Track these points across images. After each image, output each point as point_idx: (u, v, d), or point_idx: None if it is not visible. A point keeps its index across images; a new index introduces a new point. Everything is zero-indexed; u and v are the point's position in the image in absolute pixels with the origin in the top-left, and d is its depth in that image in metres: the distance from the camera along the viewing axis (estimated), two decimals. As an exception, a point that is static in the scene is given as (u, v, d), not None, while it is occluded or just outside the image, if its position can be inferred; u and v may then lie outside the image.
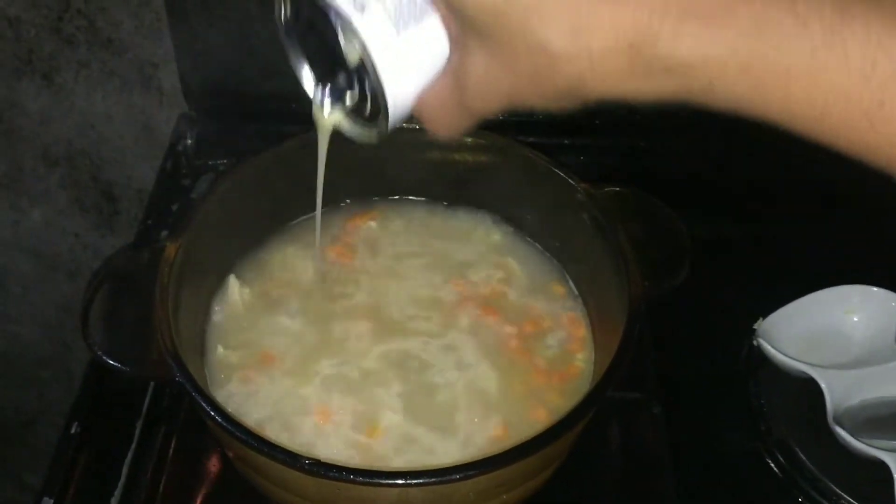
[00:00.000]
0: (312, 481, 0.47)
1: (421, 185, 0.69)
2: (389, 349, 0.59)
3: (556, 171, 0.61)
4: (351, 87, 0.42)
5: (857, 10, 0.30)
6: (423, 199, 0.69)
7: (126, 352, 0.52)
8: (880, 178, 0.76)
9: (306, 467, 0.45)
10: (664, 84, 0.33)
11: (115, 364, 0.51)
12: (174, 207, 0.77)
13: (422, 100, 0.39)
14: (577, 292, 0.64)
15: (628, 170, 0.80)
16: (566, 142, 0.82)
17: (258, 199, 0.62)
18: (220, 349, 0.58)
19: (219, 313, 0.60)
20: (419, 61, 0.38)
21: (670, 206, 0.59)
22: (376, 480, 0.46)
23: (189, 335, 0.55)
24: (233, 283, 0.61)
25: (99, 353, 0.51)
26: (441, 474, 0.46)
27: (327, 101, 0.44)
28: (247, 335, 0.60)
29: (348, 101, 0.43)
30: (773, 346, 0.64)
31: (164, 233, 0.73)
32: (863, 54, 0.30)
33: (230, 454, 0.54)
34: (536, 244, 0.67)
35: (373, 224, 0.67)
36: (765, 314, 0.66)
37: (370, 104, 0.41)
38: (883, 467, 0.57)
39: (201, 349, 0.59)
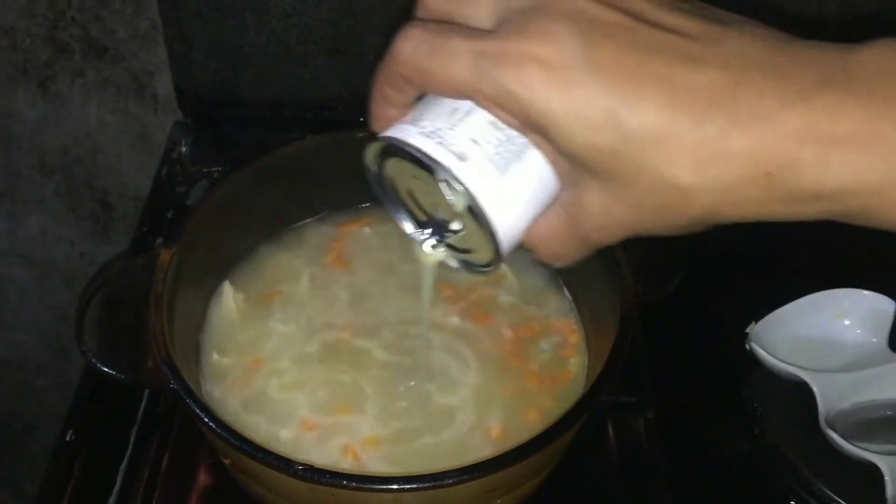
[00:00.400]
0: (306, 487, 0.47)
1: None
2: (384, 355, 0.59)
3: (549, 177, 0.62)
4: (451, 229, 0.41)
5: None
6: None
7: (121, 359, 0.52)
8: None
9: (300, 473, 0.45)
10: (810, 208, 0.31)
11: (110, 371, 0.52)
12: (169, 214, 0.77)
13: (533, 232, 0.38)
14: (570, 298, 0.64)
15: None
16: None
17: (252, 205, 0.63)
18: (215, 355, 0.58)
19: (213, 320, 0.61)
20: (526, 198, 0.37)
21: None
22: (369, 486, 0.46)
23: (184, 342, 0.55)
24: (227, 289, 0.62)
25: (93, 360, 0.51)
26: (434, 479, 0.46)
27: (432, 242, 0.43)
28: (241, 342, 0.60)
29: (452, 240, 0.42)
30: (765, 350, 0.64)
31: (160, 240, 0.74)
32: None
33: (225, 461, 0.54)
34: (530, 249, 0.67)
35: (367, 230, 0.67)
36: (757, 318, 0.67)
37: (479, 242, 0.40)
38: (874, 470, 0.58)
39: (196, 356, 0.59)
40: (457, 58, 0.33)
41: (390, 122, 0.38)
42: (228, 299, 0.61)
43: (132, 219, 1.00)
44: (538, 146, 0.36)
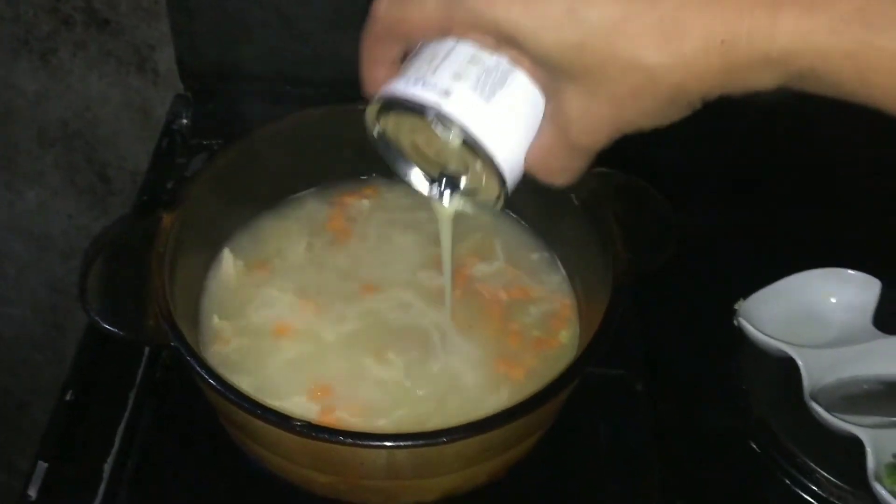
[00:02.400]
0: (303, 444, 0.48)
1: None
2: (379, 319, 0.60)
3: (545, 151, 0.63)
4: (458, 175, 0.44)
5: None
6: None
7: (123, 318, 0.53)
8: (858, 165, 0.77)
9: (297, 429, 0.46)
10: (765, 74, 0.33)
11: (112, 329, 0.52)
12: (169, 185, 0.78)
13: (530, 154, 0.40)
14: (564, 272, 0.65)
15: (616, 153, 0.81)
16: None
17: (253, 174, 0.63)
18: (215, 318, 0.59)
19: (213, 285, 0.62)
20: (517, 120, 0.39)
21: (655, 189, 0.60)
22: (365, 442, 0.47)
23: (184, 304, 0.56)
24: (227, 255, 0.63)
25: (96, 318, 0.52)
26: (428, 437, 0.47)
27: (446, 194, 0.45)
28: (240, 306, 0.61)
29: (463, 185, 0.44)
30: (753, 326, 0.65)
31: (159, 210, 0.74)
32: None
33: (223, 420, 0.55)
34: (525, 223, 0.68)
35: (366, 202, 0.68)
36: (746, 295, 0.68)
37: (484, 175, 0.42)
38: (857, 443, 0.59)
39: (195, 319, 0.60)
40: None
41: (380, 84, 0.41)
42: (228, 265, 0.62)
43: (130, 193, 1.01)
44: (517, 63, 0.38)
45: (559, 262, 0.66)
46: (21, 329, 1.23)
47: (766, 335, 0.65)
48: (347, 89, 0.81)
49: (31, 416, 1.34)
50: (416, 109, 0.38)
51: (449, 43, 0.38)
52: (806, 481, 0.61)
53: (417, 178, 0.46)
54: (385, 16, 0.38)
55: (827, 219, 0.77)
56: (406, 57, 0.41)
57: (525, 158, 0.40)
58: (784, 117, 0.74)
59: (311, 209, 0.67)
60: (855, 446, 0.59)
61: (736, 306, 0.68)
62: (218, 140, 0.81)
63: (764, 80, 0.34)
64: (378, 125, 0.43)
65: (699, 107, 0.35)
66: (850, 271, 0.69)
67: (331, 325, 0.60)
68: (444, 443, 0.47)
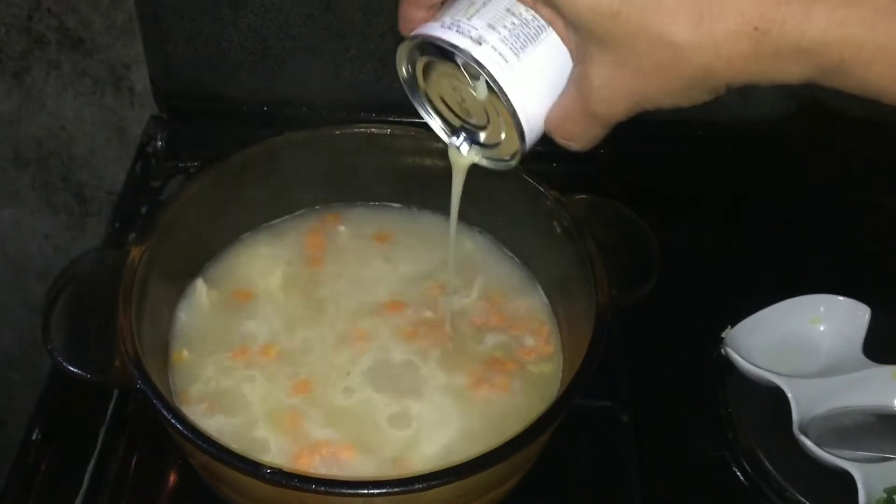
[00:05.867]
0: (274, 490, 0.46)
1: (394, 190, 0.69)
2: (355, 352, 0.59)
3: (527, 178, 0.61)
4: (478, 128, 0.45)
5: None
6: (395, 204, 0.69)
7: (88, 358, 0.51)
8: (845, 191, 0.76)
9: (267, 476, 0.45)
10: (793, 65, 0.33)
11: (76, 370, 0.50)
12: (143, 209, 0.76)
13: (550, 115, 0.40)
14: (546, 300, 0.64)
15: (600, 178, 0.80)
16: (539, 149, 0.82)
17: (227, 202, 0.62)
18: (185, 353, 0.58)
19: (185, 316, 0.60)
20: (543, 78, 0.40)
21: (640, 214, 0.59)
22: (338, 490, 0.45)
23: (153, 339, 0.55)
24: (200, 286, 0.61)
25: (59, 358, 0.50)
26: (403, 484, 0.45)
27: (465, 145, 0.47)
28: (213, 338, 0.59)
29: (482, 139, 0.46)
30: (740, 355, 0.64)
31: (133, 235, 0.73)
32: None
33: (193, 462, 0.53)
34: (507, 251, 0.67)
35: (341, 228, 0.67)
36: (733, 323, 0.67)
37: (504, 129, 0.43)
38: (847, 477, 0.58)
39: (166, 353, 0.58)
40: None
41: (416, 24, 0.41)
42: (201, 296, 0.60)
43: (108, 213, 0.99)
44: (551, 23, 0.39)
45: (542, 291, 0.65)
46: (-2, 349, 1.21)
47: (753, 365, 0.63)
48: (325, 111, 0.81)
49: (8, 436, 1.31)
50: (446, 53, 0.40)
51: None
52: (795, 515, 0.60)
53: (437, 125, 0.47)
54: None
55: (815, 244, 0.76)
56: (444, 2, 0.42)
57: (545, 118, 0.41)
58: (772, 144, 0.73)
59: (287, 237, 0.66)
60: (845, 480, 0.58)
61: (723, 335, 0.66)
62: (194, 163, 0.79)
63: (792, 72, 0.33)
64: (408, 66, 0.44)
65: (723, 93, 0.35)
66: (840, 297, 0.67)
67: (307, 358, 0.58)
68: (421, 489, 0.46)
